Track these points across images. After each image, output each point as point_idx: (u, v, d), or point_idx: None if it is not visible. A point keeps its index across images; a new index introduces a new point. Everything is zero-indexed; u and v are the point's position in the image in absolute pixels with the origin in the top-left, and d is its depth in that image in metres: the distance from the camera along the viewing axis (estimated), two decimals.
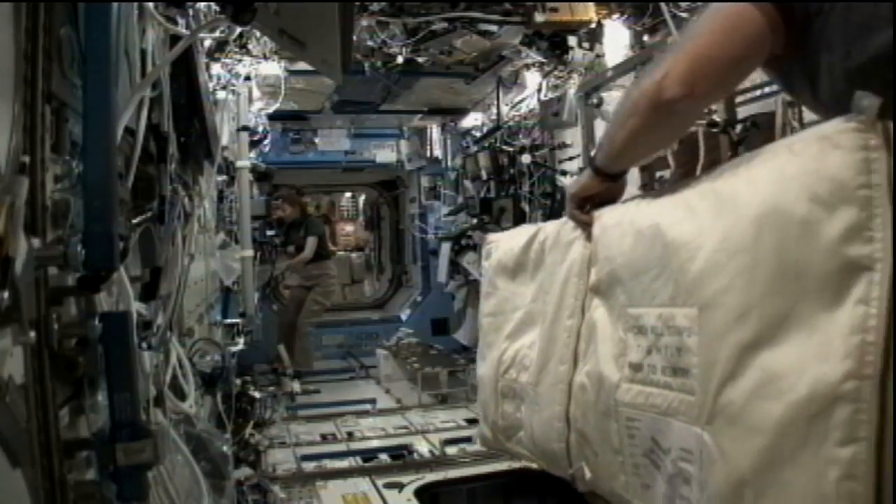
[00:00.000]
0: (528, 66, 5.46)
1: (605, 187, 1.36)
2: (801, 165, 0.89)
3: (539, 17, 4.33)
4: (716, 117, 3.36)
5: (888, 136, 0.82)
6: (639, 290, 1.16)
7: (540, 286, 1.51)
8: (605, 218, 1.32)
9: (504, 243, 1.68)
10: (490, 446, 1.73)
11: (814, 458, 0.83)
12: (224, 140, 4.10)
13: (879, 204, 0.81)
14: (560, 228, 1.47)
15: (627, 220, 1.24)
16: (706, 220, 1.03)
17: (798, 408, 0.85)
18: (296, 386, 6.48)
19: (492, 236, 1.78)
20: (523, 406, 1.53)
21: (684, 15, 3.47)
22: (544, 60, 5.00)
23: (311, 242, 7.19)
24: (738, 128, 3.20)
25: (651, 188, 3.49)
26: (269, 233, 6.65)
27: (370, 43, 4.71)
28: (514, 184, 6.23)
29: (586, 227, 1.38)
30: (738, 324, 0.94)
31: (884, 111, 0.82)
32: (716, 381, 0.97)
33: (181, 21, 2.08)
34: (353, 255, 12.02)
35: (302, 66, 4.77)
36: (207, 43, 3.59)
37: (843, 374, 0.81)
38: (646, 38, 4.28)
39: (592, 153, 1.40)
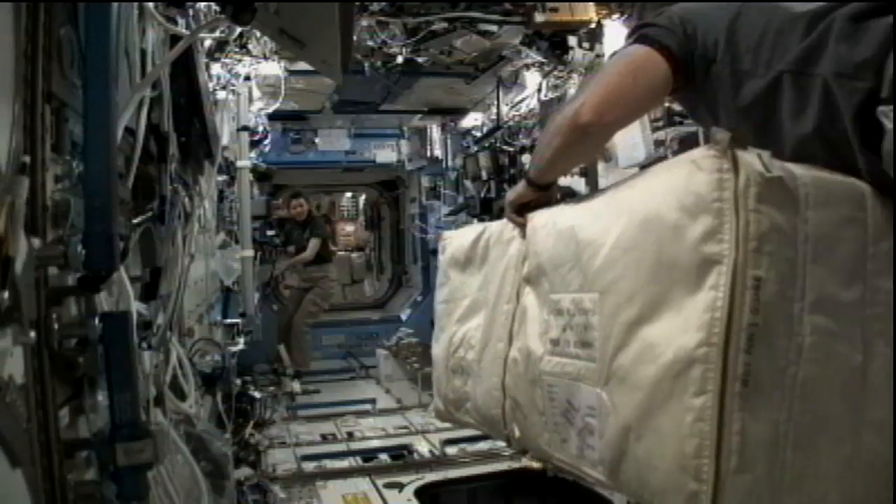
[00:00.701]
0: (528, 66, 5.43)
1: (537, 196, 1.57)
2: (676, 182, 1.11)
3: (539, 17, 4.32)
4: None
5: (736, 161, 1.04)
6: (558, 279, 1.39)
7: (485, 277, 1.73)
8: (536, 220, 1.54)
9: (456, 240, 1.89)
10: (442, 418, 1.94)
11: (676, 407, 1.06)
12: (224, 140, 4.10)
13: (727, 213, 1.03)
14: (503, 228, 1.69)
15: (552, 222, 1.46)
16: (607, 223, 1.25)
17: (666, 369, 1.07)
18: (296, 386, 6.49)
19: (446, 234, 2.00)
20: (469, 380, 1.73)
21: None
22: (544, 60, 4.99)
23: (314, 243, 7.20)
24: None
25: None
26: (269, 233, 6.65)
27: (370, 43, 4.68)
28: (515, 184, 6.21)
29: (522, 227, 1.58)
30: (626, 305, 1.17)
31: (733, 142, 1.04)
32: (610, 350, 1.19)
33: (181, 21, 2.08)
34: (354, 255, 12.02)
35: (302, 66, 4.75)
36: (207, 43, 3.59)
37: (696, 342, 1.04)
38: None
39: (526, 167, 1.58)
